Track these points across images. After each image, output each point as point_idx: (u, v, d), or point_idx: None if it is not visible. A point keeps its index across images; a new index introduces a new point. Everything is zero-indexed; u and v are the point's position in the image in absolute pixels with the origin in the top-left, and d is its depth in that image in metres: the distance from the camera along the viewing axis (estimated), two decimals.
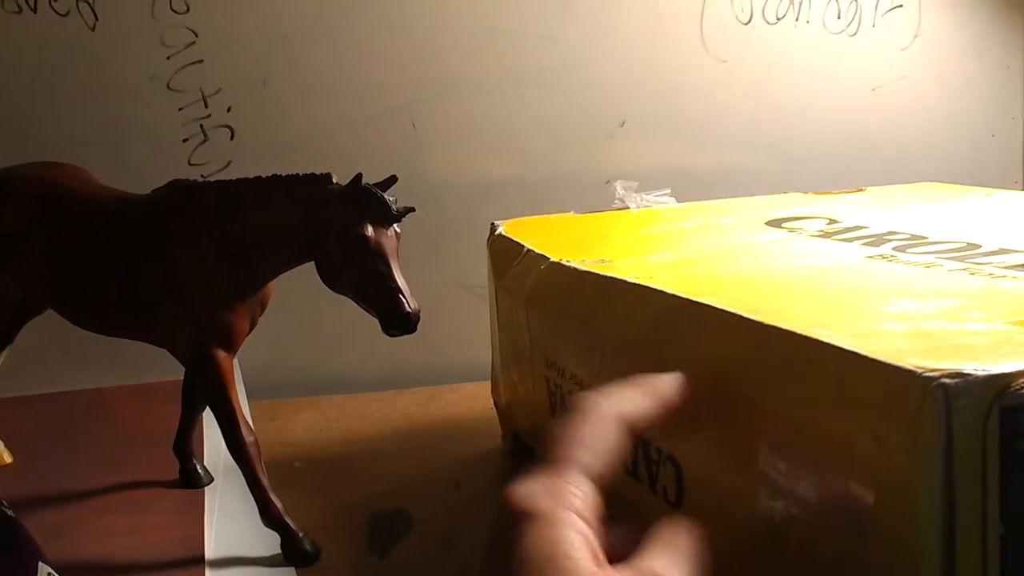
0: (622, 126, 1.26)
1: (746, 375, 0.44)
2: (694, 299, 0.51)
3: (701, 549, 0.31)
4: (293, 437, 0.97)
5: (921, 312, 0.44)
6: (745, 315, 0.45)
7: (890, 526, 0.34)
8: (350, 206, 0.66)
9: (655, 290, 0.56)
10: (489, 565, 0.28)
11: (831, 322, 0.42)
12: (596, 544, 0.28)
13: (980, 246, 0.59)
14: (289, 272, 0.72)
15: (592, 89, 1.24)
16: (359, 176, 0.67)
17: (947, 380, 0.32)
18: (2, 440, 0.88)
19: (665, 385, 0.36)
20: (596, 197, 0.99)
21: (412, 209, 0.69)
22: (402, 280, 0.66)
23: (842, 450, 0.36)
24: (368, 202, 0.66)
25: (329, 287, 0.69)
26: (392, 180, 0.69)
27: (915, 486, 0.33)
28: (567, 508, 0.28)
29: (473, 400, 1.04)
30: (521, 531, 0.28)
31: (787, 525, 0.39)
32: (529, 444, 0.83)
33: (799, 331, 0.41)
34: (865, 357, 0.36)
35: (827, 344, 0.38)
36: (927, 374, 0.33)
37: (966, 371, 0.33)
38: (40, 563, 0.51)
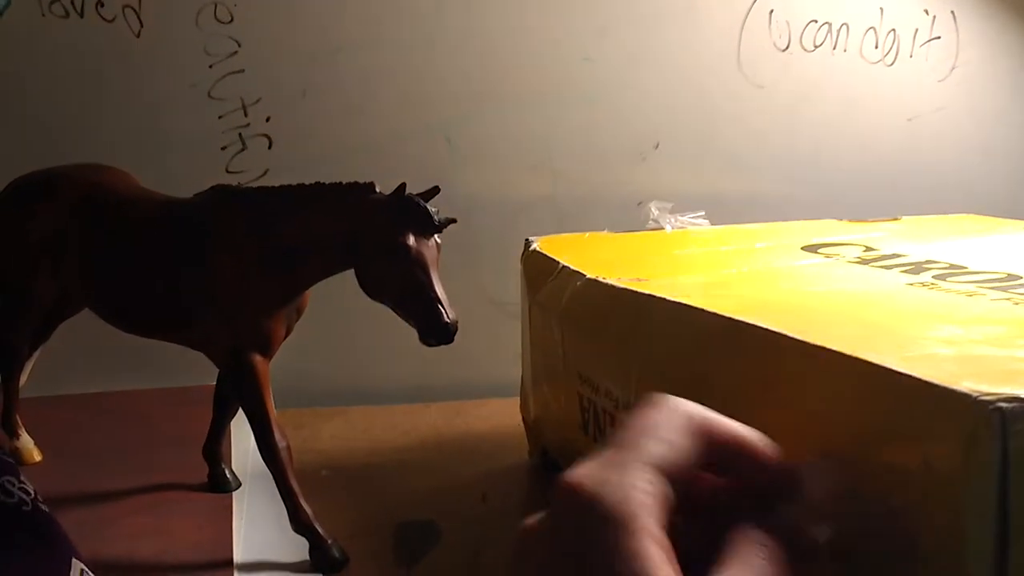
0: (656, 148, 1.26)
1: (790, 397, 0.44)
2: (736, 318, 0.51)
3: (777, 572, 0.27)
4: (320, 445, 0.97)
5: (969, 338, 0.43)
6: (791, 335, 0.45)
7: (940, 553, 0.34)
8: (393, 215, 0.67)
9: (695, 309, 0.55)
10: (557, 555, 0.25)
11: (879, 345, 0.41)
12: (673, 555, 0.25)
13: (1021, 277, 0.59)
14: (322, 280, 0.73)
15: (628, 110, 1.25)
16: (403, 185, 0.68)
17: (1003, 404, 0.32)
18: (32, 439, 0.88)
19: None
20: (628, 218, 0.99)
21: (454, 220, 0.69)
22: (442, 290, 0.67)
23: (891, 474, 0.36)
24: (411, 211, 0.67)
25: (369, 295, 0.69)
26: (435, 191, 0.69)
27: (968, 512, 0.33)
28: (644, 510, 0.25)
29: (499, 416, 1.04)
30: (598, 536, 0.25)
31: (831, 548, 0.38)
32: (558, 459, 0.83)
33: (848, 352, 0.40)
34: (918, 380, 0.36)
35: (878, 366, 0.38)
36: (983, 397, 0.33)
37: (1022, 395, 0.32)
38: (74, 559, 0.51)
